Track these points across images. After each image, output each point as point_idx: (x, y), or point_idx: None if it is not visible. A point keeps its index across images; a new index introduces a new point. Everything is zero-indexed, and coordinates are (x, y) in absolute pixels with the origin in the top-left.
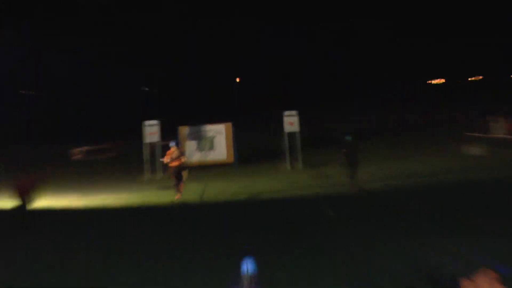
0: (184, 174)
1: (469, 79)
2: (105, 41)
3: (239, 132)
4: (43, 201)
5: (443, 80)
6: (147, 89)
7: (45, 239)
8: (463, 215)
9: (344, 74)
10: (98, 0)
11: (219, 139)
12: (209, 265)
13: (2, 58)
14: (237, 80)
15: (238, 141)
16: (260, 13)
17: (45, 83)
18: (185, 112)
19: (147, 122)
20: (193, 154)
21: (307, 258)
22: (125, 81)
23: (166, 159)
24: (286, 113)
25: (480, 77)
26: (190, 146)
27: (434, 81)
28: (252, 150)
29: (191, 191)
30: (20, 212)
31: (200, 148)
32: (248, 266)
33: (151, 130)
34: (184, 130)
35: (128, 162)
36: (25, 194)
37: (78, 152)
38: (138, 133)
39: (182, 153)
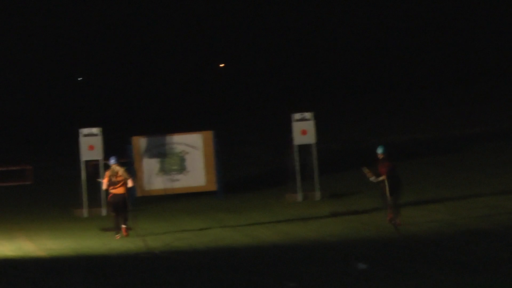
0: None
1: None
2: None
3: (225, 146)
4: None
5: None
6: (80, 79)
7: None
8: None
9: (383, 55)
10: None
11: (193, 156)
12: None
13: None
14: (221, 66)
15: (224, 159)
16: None
17: None
18: (141, 116)
19: (85, 130)
20: (154, 178)
21: None
22: (47, 69)
23: (105, 184)
24: (297, 116)
25: None
26: (150, 166)
27: None
28: (245, 173)
29: (152, 235)
30: None
31: (164, 170)
32: None
33: (91, 143)
34: (140, 143)
35: (55, 190)
36: None
37: None
38: (71, 147)
39: (127, 175)
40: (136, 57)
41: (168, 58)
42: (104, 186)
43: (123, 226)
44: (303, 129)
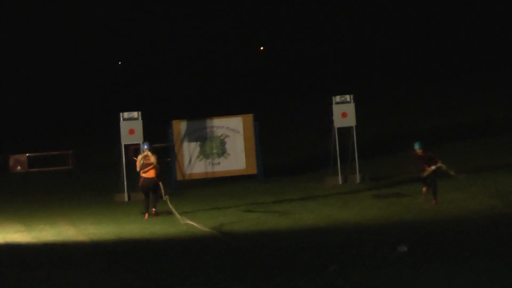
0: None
1: None
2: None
3: (265, 129)
4: None
5: None
6: (120, 63)
7: None
8: None
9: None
10: None
11: (233, 140)
12: None
13: None
14: (261, 49)
15: (264, 143)
16: None
17: None
18: (182, 99)
19: (125, 114)
20: (195, 162)
21: None
22: (88, 54)
23: (138, 166)
24: (337, 98)
25: None
26: (190, 149)
27: None
28: (285, 156)
29: (194, 219)
30: None
31: (204, 154)
32: None
33: (131, 126)
34: (180, 126)
35: (95, 175)
36: None
37: (16, 162)
38: (109, 130)
39: (156, 163)
40: (176, 40)
41: (209, 41)
42: (137, 168)
43: (153, 209)
44: (344, 112)
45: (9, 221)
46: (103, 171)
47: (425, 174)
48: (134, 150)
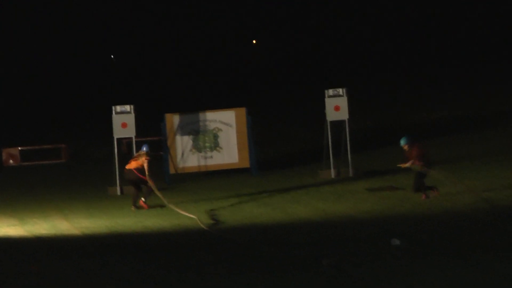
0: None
1: None
2: None
3: (258, 123)
4: None
5: None
6: (113, 56)
7: None
8: None
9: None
10: None
11: (226, 134)
12: None
13: None
14: (254, 42)
15: (257, 136)
16: None
17: None
18: (174, 93)
19: (118, 108)
20: (187, 155)
21: None
22: (80, 47)
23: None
24: (330, 92)
25: None
26: (183, 143)
27: None
28: (277, 150)
29: (190, 213)
30: None
31: (197, 147)
32: None
33: (124, 120)
34: (173, 120)
35: (88, 169)
36: None
37: (9, 155)
38: (104, 124)
39: (146, 165)
40: (169, 34)
41: (202, 34)
42: (148, 175)
43: (142, 199)
44: (336, 105)
45: (2, 214)
46: (96, 165)
47: (402, 166)
48: (127, 144)
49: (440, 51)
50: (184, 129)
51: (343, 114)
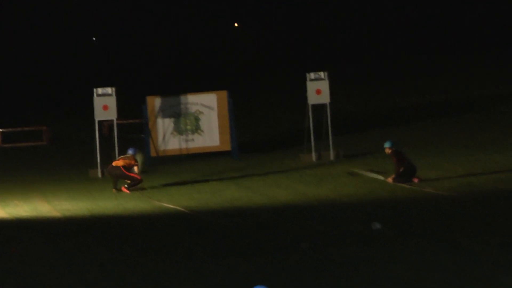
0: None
1: None
2: None
3: (240, 106)
4: None
5: None
6: (94, 39)
7: None
8: None
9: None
10: None
11: (208, 117)
12: None
13: None
14: (235, 25)
15: (238, 120)
16: None
17: None
18: (156, 76)
19: (99, 90)
20: (168, 138)
21: None
22: (62, 29)
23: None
24: (311, 75)
25: None
26: (164, 126)
27: None
28: (259, 133)
29: (165, 197)
30: None
31: (178, 130)
32: None
33: (105, 102)
34: (154, 102)
35: (69, 151)
36: None
37: None
38: (83, 107)
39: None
40: (150, 16)
41: (184, 17)
42: (139, 174)
43: (125, 185)
44: (318, 89)
45: None
46: (77, 147)
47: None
48: (108, 126)
49: (422, 36)
50: (165, 112)
51: (325, 98)
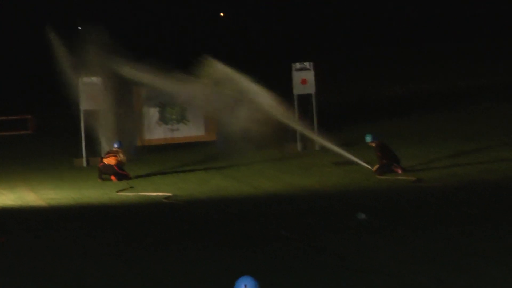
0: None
1: None
2: None
3: (225, 95)
4: None
5: None
6: (80, 28)
7: None
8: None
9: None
10: None
11: (193, 106)
12: None
13: None
14: (221, 15)
15: (224, 109)
16: None
17: None
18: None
19: (85, 79)
20: (154, 127)
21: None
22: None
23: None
24: (297, 65)
25: None
26: (150, 115)
27: None
28: (245, 123)
29: (151, 186)
30: None
31: (164, 120)
32: None
33: (92, 91)
34: (140, 92)
35: (54, 140)
36: None
37: None
38: (68, 96)
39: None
40: (134, 5)
41: (170, 6)
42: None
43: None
44: (303, 79)
45: None
46: (62, 136)
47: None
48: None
49: (408, 26)
50: (151, 102)
51: (310, 88)
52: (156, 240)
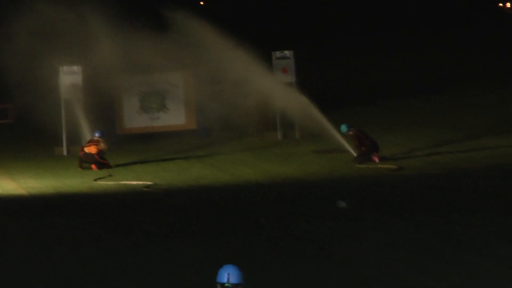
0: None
1: None
2: None
3: (205, 84)
4: None
5: None
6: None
7: None
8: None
9: None
10: None
11: (174, 95)
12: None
13: None
14: (201, 4)
15: (204, 98)
16: None
17: None
18: (123, 54)
19: (65, 68)
20: (134, 116)
21: (307, 268)
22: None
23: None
24: (277, 54)
25: None
26: (130, 104)
27: None
28: (226, 112)
29: (131, 174)
30: None
31: (144, 108)
32: (229, 277)
33: (72, 80)
34: (121, 81)
35: (35, 129)
36: None
37: None
38: (49, 84)
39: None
40: None
41: None
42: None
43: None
44: (284, 67)
45: None
46: (42, 125)
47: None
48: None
49: (391, 14)
50: (132, 90)
51: (291, 77)
52: (137, 229)
